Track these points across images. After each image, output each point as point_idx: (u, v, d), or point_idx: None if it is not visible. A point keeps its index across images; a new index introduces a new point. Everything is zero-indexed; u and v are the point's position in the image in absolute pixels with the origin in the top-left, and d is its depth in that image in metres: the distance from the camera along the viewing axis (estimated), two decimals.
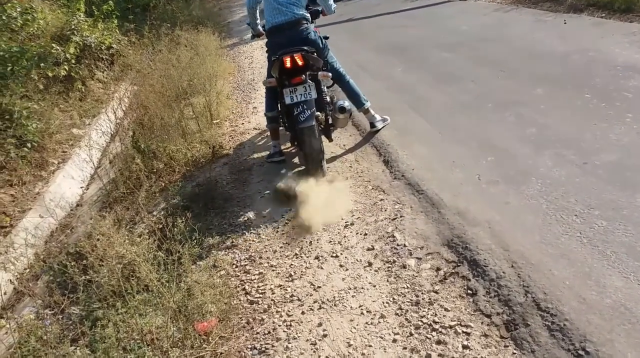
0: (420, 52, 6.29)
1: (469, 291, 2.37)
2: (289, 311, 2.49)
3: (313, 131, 3.46)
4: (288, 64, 3.42)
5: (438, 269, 2.56)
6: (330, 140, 4.00)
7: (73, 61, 6.33)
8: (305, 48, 3.52)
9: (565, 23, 6.13)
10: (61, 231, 3.93)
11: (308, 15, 3.75)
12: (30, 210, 4.07)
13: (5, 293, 3.13)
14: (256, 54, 8.51)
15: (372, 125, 4.27)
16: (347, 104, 3.85)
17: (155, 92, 5.13)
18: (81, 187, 4.76)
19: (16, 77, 5.10)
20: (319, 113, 3.61)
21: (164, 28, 7.22)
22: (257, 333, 2.39)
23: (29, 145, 4.75)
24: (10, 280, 3.21)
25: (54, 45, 6.10)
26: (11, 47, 5.25)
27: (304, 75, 3.47)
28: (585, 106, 3.83)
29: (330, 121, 3.93)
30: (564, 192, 2.85)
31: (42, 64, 5.64)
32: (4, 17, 5.31)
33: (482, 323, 2.18)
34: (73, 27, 6.68)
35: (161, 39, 6.76)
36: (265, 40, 3.90)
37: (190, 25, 8.07)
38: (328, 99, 4.00)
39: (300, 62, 3.44)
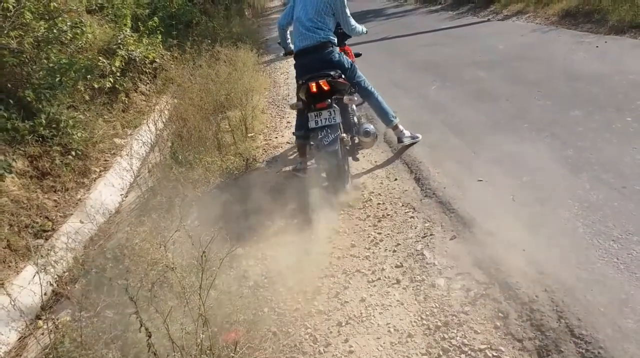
0: (456, 71, 6.26)
1: (500, 314, 2.32)
2: (315, 325, 2.50)
3: (336, 155, 3.50)
4: (314, 89, 3.51)
5: (468, 290, 2.52)
6: (356, 160, 4.06)
7: (118, 74, 6.58)
8: (332, 73, 3.59)
9: (605, 43, 6.01)
10: (100, 236, 4.08)
11: (334, 38, 3.84)
12: (71, 216, 4.23)
13: (45, 295, 3.25)
14: (292, 70, 8.59)
15: (400, 140, 4.30)
16: (371, 127, 3.88)
17: (194, 105, 5.29)
18: (121, 195, 4.91)
19: (64, 88, 5.31)
20: (344, 135, 3.67)
21: (205, 44, 7.45)
22: (284, 345, 2.41)
23: (73, 153, 4.94)
24: (50, 283, 3.33)
25: (100, 58, 6.36)
26: (60, 59, 5.49)
27: (329, 100, 3.54)
28: (625, 129, 3.73)
29: (357, 141, 3.98)
30: (601, 216, 2.78)
31: (88, 76, 5.88)
32: (55, 31, 5.56)
33: (513, 347, 2.13)
34: (119, 41, 6.96)
35: (202, 54, 6.97)
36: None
37: (230, 41, 8.29)
38: (355, 119, 4.06)
39: (325, 88, 3.51)
